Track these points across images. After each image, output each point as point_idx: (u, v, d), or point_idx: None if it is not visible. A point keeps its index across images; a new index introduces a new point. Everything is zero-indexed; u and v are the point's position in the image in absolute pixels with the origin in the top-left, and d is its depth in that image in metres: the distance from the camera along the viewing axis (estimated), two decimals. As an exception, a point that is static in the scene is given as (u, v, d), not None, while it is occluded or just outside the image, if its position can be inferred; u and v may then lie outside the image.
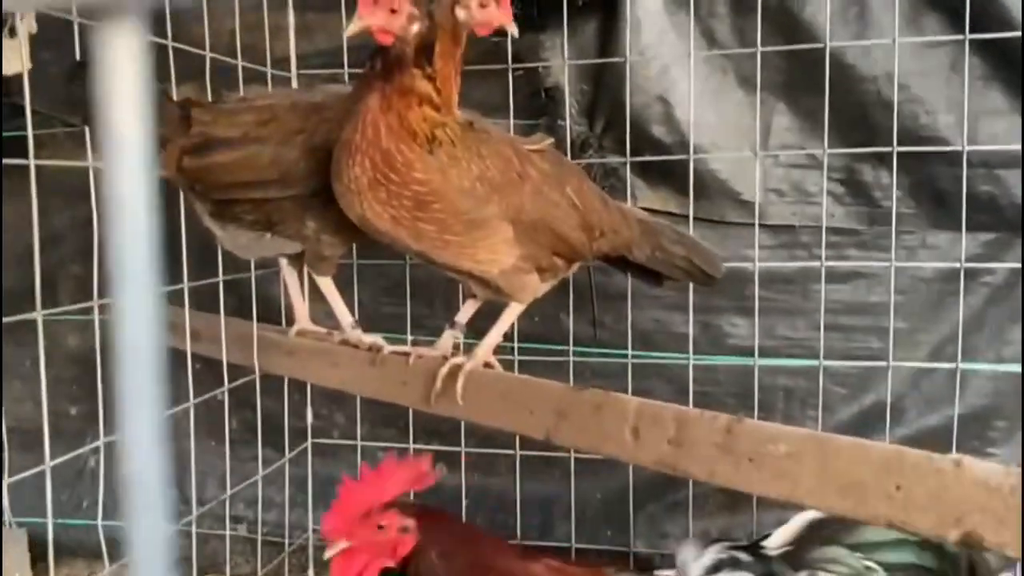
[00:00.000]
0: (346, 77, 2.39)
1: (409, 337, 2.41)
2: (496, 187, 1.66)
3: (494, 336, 1.82)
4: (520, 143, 1.75)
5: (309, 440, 2.60)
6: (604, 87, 2.42)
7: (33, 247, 2.06)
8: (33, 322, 1.85)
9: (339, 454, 2.73)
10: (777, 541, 1.63)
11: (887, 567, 1.58)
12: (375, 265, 2.58)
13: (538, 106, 2.45)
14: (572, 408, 1.63)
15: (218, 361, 2.25)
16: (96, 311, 1.88)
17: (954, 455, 1.25)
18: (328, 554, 1.51)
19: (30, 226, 2.68)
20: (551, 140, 1.80)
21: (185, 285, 2.08)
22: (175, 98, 1.96)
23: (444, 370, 1.79)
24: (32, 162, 1.82)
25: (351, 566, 1.50)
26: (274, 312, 2.52)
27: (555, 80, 2.40)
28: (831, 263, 2.28)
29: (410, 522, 1.52)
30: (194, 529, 2.18)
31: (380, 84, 1.62)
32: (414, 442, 2.56)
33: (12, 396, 2.86)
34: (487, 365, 1.83)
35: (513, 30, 1.62)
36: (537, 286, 1.78)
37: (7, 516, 2.63)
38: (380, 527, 1.51)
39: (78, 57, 1.77)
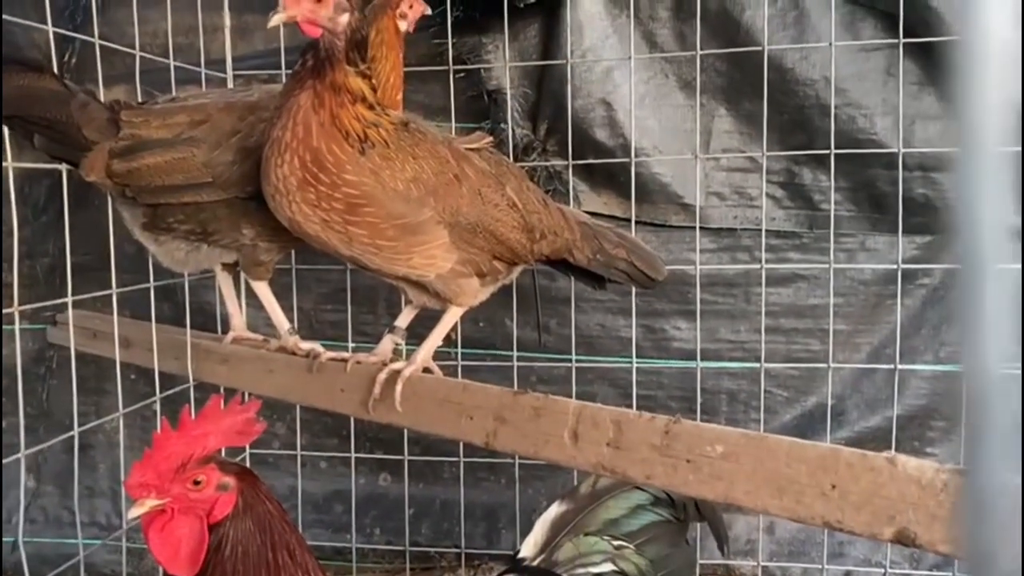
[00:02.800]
0: (283, 79, 2.34)
1: (351, 344, 2.36)
2: (432, 189, 1.63)
3: (433, 340, 1.78)
4: (458, 142, 1.73)
5: (248, 451, 2.53)
6: (547, 90, 2.41)
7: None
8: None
9: (279, 464, 2.67)
10: (531, 551, 1.64)
11: (633, 535, 1.65)
12: (315, 271, 2.54)
13: (481, 109, 2.43)
14: (511, 412, 1.60)
15: (152, 370, 2.19)
16: (17, 320, 1.80)
17: (888, 453, 1.25)
18: (133, 512, 1.26)
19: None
20: (490, 139, 1.77)
21: (113, 291, 2.00)
22: (103, 100, 1.89)
23: (382, 376, 1.75)
24: None
25: (162, 526, 1.26)
26: (210, 319, 2.45)
27: (497, 83, 2.39)
28: (771, 266, 2.29)
29: (230, 480, 1.30)
30: (124, 544, 2.10)
31: (312, 81, 1.58)
32: (356, 451, 2.51)
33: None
34: (427, 370, 1.80)
35: (427, 9, 1.60)
36: (477, 290, 1.75)
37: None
38: (196, 482, 1.27)
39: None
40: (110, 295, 2.04)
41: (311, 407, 2.42)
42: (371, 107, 1.61)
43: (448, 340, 2.25)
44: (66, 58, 2.52)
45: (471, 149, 1.73)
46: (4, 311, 1.86)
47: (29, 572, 2.56)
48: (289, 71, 2.33)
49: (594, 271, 1.87)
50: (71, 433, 1.94)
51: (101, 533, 2.68)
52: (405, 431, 2.37)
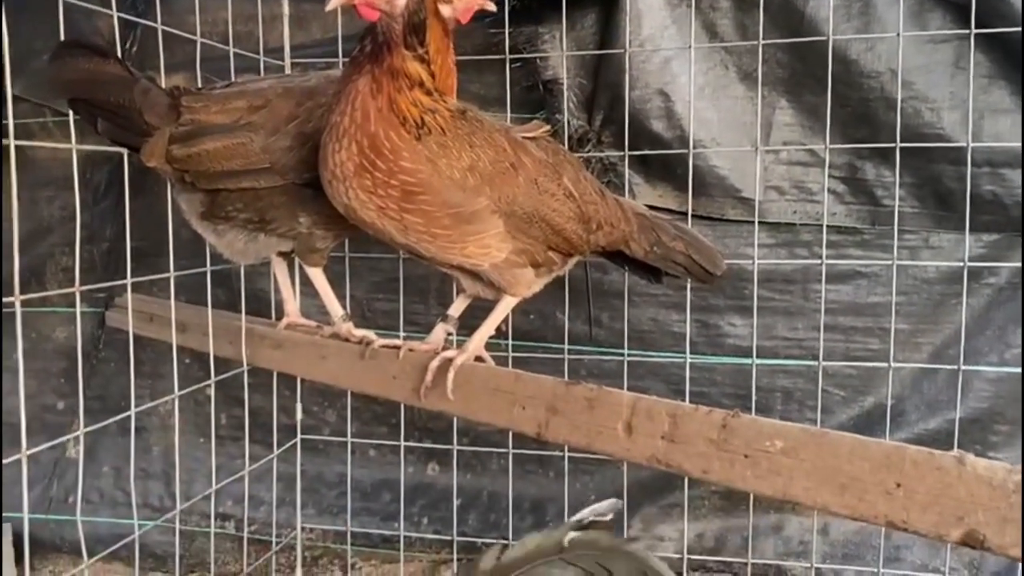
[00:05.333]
0: (340, 66, 2.35)
1: (402, 333, 2.37)
2: (488, 178, 1.61)
3: (486, 330, 1.77)
4: (515, 131, 1.71)
5: (298, 436, 2.55)
6: (603, 80, 2.39)
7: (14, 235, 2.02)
8: (23, 314, 1.81)
9: (329, 452, 2.69)
10: None
11: None
12: (368, 259, 2.54)
13: (536, 99, 2.41)
14: (564, 403, 1.59)
15: (206, 354, 2.21)
16: (79, 301, 1.84)
17: (955, 452, 1.21)
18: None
19: (30, 216, 2.64)
20: (547, 127, 1.75)
21: (171, 275, 2.03)
22: (164, 86, 1.92)
23: (435, 363, 1.74)
24: (12, 143, 1.78)
25: None
26: (264, 305, 2.48)
27: (553, 73, 2.37)
28: (832, 262, 2.24)
29: None
30: (177, 526, 2.13)
31: (370, 66, 1.58)
32: (405, 440, 2.52)
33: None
34: (479, 359, 1.79)
35: (491, 7, 1.58)
36: (531, 280, 1.74)
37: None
38: None
39: (63, 39, 1.72)
40: (166, 279, 2.07)
41: (362, 394, 2.44)
42: (429, 93, 1.60)
43: (499, 331, 2.24)
44: (127, 45, 2.56)
45: (528, 138, 1.71)
46: (65, 291, 1.88)
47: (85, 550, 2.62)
48: (346, 60, 2.36)
49: (651, 264, 1.84)
50: (128, 413, 1.97)
51: (153, 514, 2.72)
52: (455, 421, 2.37)
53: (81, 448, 1.85)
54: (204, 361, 2.29)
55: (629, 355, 2.19)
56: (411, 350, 1.83)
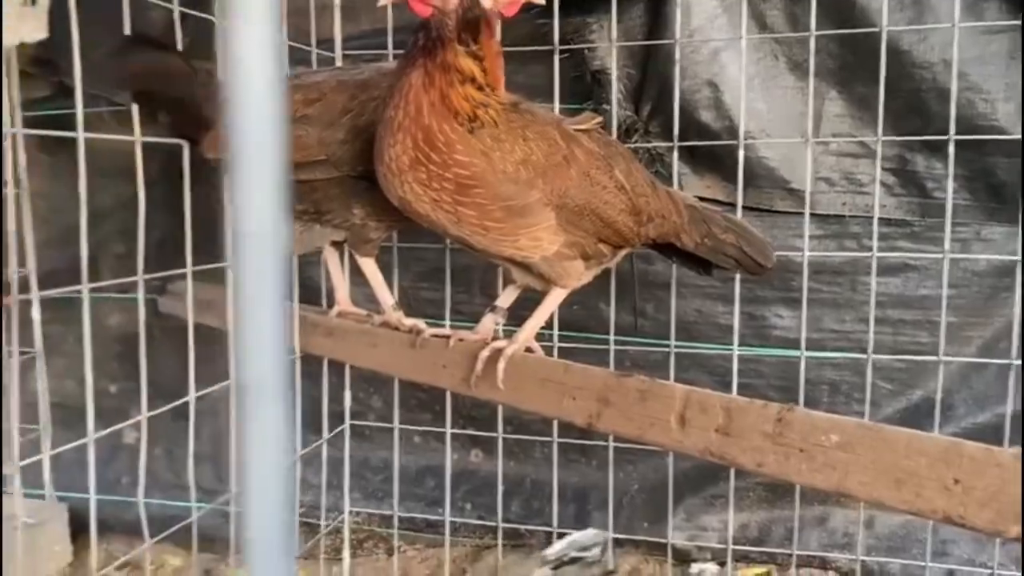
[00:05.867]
0: (390, 59, 2.37)
1: (447, 322, 2.39)
2: (540, 171, 1.63)
3: (536, 321, 1.79)
4: (567, 123, 1.72)
5: (347, 422, 2.59)
6: (652, 71, 2.38)
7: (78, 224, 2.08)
8: (78, 300, 1.86)
9: (374, 438, 2.73)
10: None
11: None
12: (414, 249, 2.57)
13: (583, 90, 2.41)
14: (616, 395, 1.60)
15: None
16: (141, 288, 1.89)
17: (1014, 449, 1.20)
18: None
19: (90, 203, 2.70)
20: (600, 119, 1.76)
21: (228, 264, 2.07)
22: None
23: (485, 353, 1.77)
24: (80, 135, 1.83)
25: None
26: (314, 294, 2.51)
27: (601, 63, 2.37)
28: (883, 254, 2.23)
29: None
30: (233, 508, 2.19)
31: (423, 60, 1.60)
32: (447, 427, 2.55)
33: (55, 373, 2.89)
34: (528, 350, 1.81)
35: (539, 0, 1.59)
36: (581, 272, 1.75)
37: (48, 490, 2.66)
38: None
39: (127, 33, 1.76)
40: (216, 268, 2.11)
41: (408, 382, 2.47)
42: (480, 88, 1.62)
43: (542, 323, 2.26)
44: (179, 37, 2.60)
45: (580, 130, 1.72)
46: (129, 279, 1.93)
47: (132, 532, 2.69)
48: (395, 52, 2.38)
49: (701, 256, 1.85)
50: (186, 399, 2.02)
51: (204, 497, 2.78)
52: (499, 409, 2.39)
53: (144, 433, 1.90)
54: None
55: (676, 347, 2.20)
56: (460, 340, 1.86)
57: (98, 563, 2.91)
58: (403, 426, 2.55)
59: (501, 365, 1.73)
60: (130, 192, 2.85)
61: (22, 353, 2.89)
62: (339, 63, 2.42)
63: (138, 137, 1.81)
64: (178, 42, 1.87)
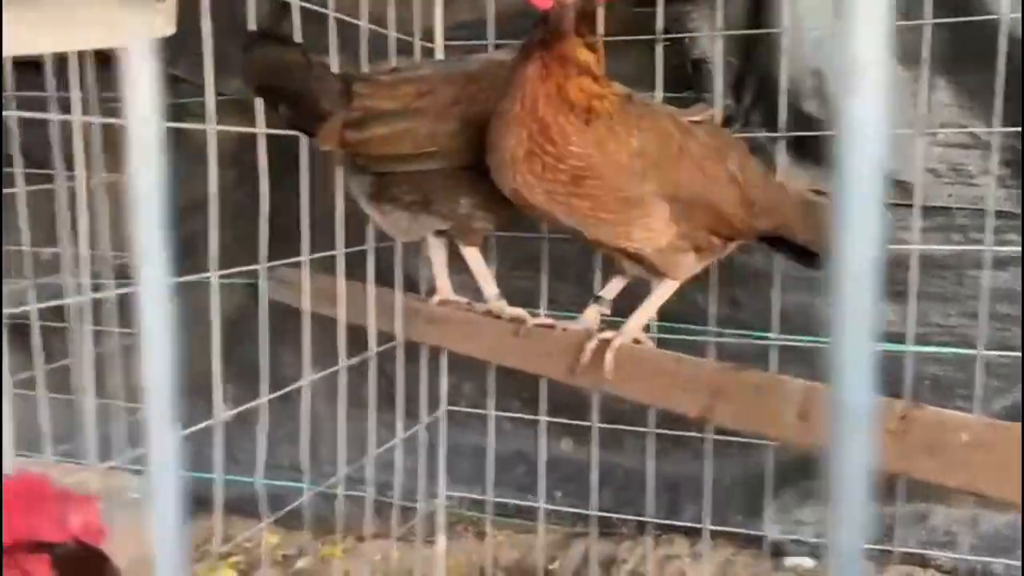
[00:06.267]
0: (490, 49, 2.39)
1: (543, 311, 2.41)
2: (655, 163, 1.63)
3: (645, 313, 1.80)
4: (681, 115, 1.72)
5: (443, 408, 2.64)
6: (753, 59, 2.36)
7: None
8: (181, 285, 1.93)
9: (466, 423, 2.77)
10: None
11: None
12: (508, 238, 2.59)
13: (681, 79, 2.40)
14: (730, 388, 1.60)
15: (353, 328, 2.30)
16: (263, 274, 1.95)
17: None
18: None
19: (189, 191, 2.79)
20: (713, 111, 1.75)
21: (339, 252, 2.13)
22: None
23: (592, 344, 1.78)
24: (211, 127, 1.89)
25: None
26: (410, 282, 2.55)
27: (701, 52, 2.35)
28: (996, 248, 2.17)
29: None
30: (341, 492, 2.25)
31: (539, 53, 1.61)
32: (541, 414, 2.57)
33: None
34: (635, 341, 1.82)
35: None
36: (692, 264, 1.76)
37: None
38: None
39: (253, 28, 1.81)
40: (331, 257, 2.16)
41: (504, 370, 2.51)
42: (596, 79, 1.63)
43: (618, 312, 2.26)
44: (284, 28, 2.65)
45: (694, 122, 1.72)
46: (251, 267, 2.00)
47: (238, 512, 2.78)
48: (496, 42, 2.40)
49: (813, 250, 1.83)
50: (300, 383, 2.08)
51: (301, 479, 2.85)
52: (595, 399, 2.40)
53: (266, 416, 1.97)
54: (354, 333, 2.38)
55: (778, 340, 2.18)
56: (564, 330, 1.88)
57: (200, 539, 3.04)
58: (499, 413, 2.58)
59: (609, 356, 1.74)
60: (235, 181, 2.94)
61: (128, 335, 3.01)
62: (440, 54, 2.45)
63: (263, 129, 1.86)
64: (296, 34, 1.92)
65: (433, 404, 2.63)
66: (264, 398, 1.95)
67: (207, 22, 1.64)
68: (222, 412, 1.79)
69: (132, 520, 2.73)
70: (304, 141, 2.02)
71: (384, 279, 2.37)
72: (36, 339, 2.75)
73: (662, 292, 1.79)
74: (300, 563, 2.77)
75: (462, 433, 2.79)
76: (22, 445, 2.72)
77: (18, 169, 2.83)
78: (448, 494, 2.78)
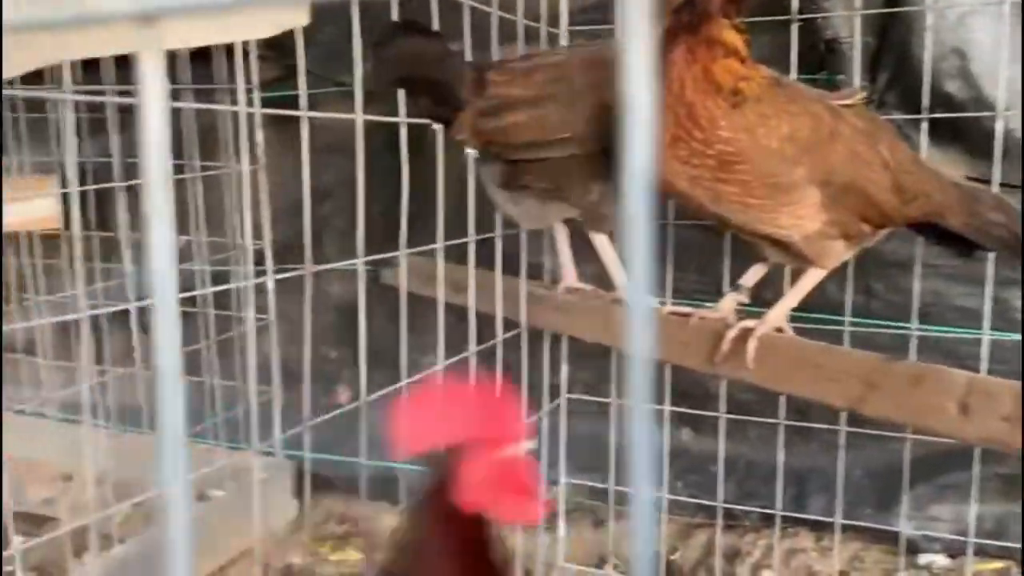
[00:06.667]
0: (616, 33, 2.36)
1: (669, 299, 2.38)
2: (806, 148, 1.59)
3: (789, 302, 1.76)
4: (831, 98, 1.67)
5: (563, 395, 2.64)
6: (890, 39, 2.27)
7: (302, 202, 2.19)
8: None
9: (583, 410, 2.76)
10: None
11: None
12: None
13: (814, 60, 2.32)
14: (884, 379, 1.55)
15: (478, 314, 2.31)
16: (403, 262, 1.98)
17: None
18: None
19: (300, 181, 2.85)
20: (863, 94, 1.69)
21: (471, 239, 2.14)
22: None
23: (732, 333, 1.75)
24: (304, 114, 1.92)
25: None
26: (529, 269, 2.55)
27: (835, 32, 2.27)
28: None
29: None
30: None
31: (685, 36, 1.58)
32: (659, 404, 2.55)
33: (279, 340, 3.07)
34: (777, 330, 1.78)
35: None
36: (840, 252, 1.70)
37: (278, 448, 2.85)
38: None
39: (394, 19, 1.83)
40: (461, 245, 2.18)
41: (623, 357, 2.49)
42: (743, 61, 1.59)
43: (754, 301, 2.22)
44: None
45: (845, 105, 1.66)
46: (351, 262, 2.02)
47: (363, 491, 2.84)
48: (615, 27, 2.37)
49: (967, 237, 1.76)
50: (436, 368, 2.11)
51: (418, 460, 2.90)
52: (723, 389, 2.36)
53: (363, 396, 2.00)
54: (467, 321, 2.39)
55: (918, 330, 2.10)
56: (701, 318, 1.85)
57: (320, 518, 3.12)
58: (620, 401, 2.56)
59: (752, 345, 1.71)
60: (353, 169, 2.99)
61: (257, 320, 3.10)
62: (564, 40, 2.43)
63: (404, 119, 1.89)
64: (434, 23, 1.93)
65: (554, 392, 2.63)
66: (403, 382, 1.96)
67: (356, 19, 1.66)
68: (364, 395, 1.81)
69: (260, 498, 2.80)
70: (411, 130, 2.04)
71: (505, 267, 2.38)
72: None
73: (808, 281, 1.74)
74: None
75: (576, 420, 2.78)
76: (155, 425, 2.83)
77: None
78: (566, 481, 2.79)
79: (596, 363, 2.71)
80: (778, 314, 1.75)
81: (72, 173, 1.39)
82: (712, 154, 1.57)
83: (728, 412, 2.50)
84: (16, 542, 2.42)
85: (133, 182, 2.59)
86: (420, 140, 2.23)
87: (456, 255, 2.34)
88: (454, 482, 1.05)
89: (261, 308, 2.97)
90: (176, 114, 3.09)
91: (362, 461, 2.24)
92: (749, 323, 1.75)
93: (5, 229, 2.74)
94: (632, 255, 0.32)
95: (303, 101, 1.86)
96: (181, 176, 2.99)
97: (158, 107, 0.37)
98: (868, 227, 1.69)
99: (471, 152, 2.28)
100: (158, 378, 0.34)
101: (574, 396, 2.70)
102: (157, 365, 0.34)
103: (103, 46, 1.52)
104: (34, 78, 2.20)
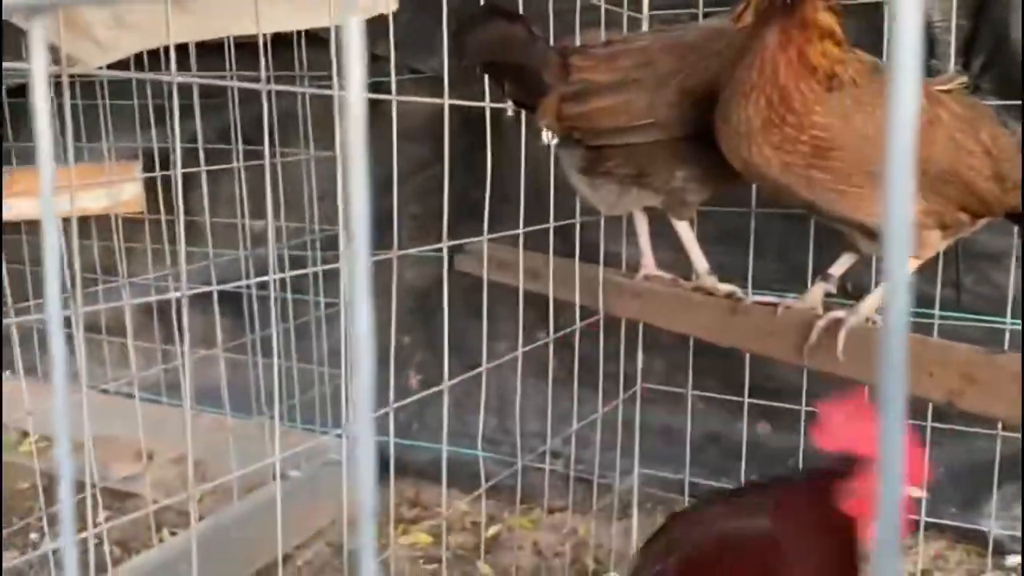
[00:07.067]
0: (699, 18, 2.32)
1: (750, 288, 2.34)
2: None
3: (883, 292, 1.71)
4: (930, 84, 1.61)
5: (639, 385, 2.62)
6: (986, 21, 2.19)
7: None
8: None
9: (658, 401, 2.74)
10: None
11: None
12: (704, 212, 2.53)
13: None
14: (984, 372, 1.50)
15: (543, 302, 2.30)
16: (486, 247, 1.98)
17: None
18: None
19: (381, 166, 2.86)
20: (964, 79, 1.64)
21: (551, 224, 2.14)
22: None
23: (822, 323, 1.71)
24: (394, 98, 1.93)
25: None
26: (604, 257, 2.54)
27: (927, 14, 2.20)
28: None
29: None
30: (547, 466, 2.28)
31: (780, 19, 1.54)
32: (735, 396, 2.51)
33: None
34: (869, 322, 1.73)
35: None
36: (936, 243, 1.65)
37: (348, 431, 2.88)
38: None
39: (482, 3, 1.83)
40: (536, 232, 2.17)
41: (698, 348, 2.46)
42: (839, 44, 1.55)
43: (847, 292, 2.17)
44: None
45: (944, 91, 1.61)
46: (435, 246, 2.03)
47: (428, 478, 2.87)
48: (705, 11, 2.33)
49: (1072, 227, 1.69)
50: (515, 354, 2.11)
51: (488, 447, 2.91)
52: (804, 382, 2.32)
53: (446, 381, 2.01)
54: (539, 308, 2.38)
55: (1013, 324, 2.03)
56: (788, 308, 1.81)
57: (392, 501, 3.14)
58: (696, 392, 2.54)
59: (842, 335, 1.67)
60: (429, 155, 3.01)
61: (328, 305, 3.14)
62: (646, 25, 2.40)
63: (488, 104, 1.88)
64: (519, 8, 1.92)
65: (629, 382, 2.61)
66: (483, 367, 1.97)
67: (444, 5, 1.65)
68: (447, 379, 1.82)
69: (333, 480, 2.85)
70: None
71: (582, 255, 2.36)
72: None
73: (901, 271, 1.69)
74: (491, 530, 2.83)
75: (651, 409, 2.76)
76: (233, 407, 2.89)
77: (232, 146, 3.00)
78: (639, 471, 2.77)
79: (671, 353, 2.69)
80: (870, 305, 1.70)
81: (178, 155, 1.42)
82: (806, 140, 1.54)
83: (806, 405, 2.45)
84: (101, 517, 2.50)
85: (217, 166, 2.64)
86: (495, 126, 2.23)
87: (529, 243, 2.34)
88: (840, 486, 1.17)
89: (338, 292, 3.02)
90: (256, 101, 3.14)
91: (444, 447, 2.25)
92: (839, 313, 1.70)
93: (97, 212, 2.82)
94: (893, 265, 0.31)
95: (393, 86, 1.86)
96: (259, 162, 3.03)
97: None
98: (966, 217, 1.63)
99: (546, 139, 2.27)
100: (355, 347, 0.34)
101: (649, 386, 2.67)
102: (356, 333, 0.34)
103: (200, 31, 1.55)
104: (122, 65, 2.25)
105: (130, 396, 3.32)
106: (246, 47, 2.85)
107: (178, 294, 1.50)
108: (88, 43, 1.30)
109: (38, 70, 0.40)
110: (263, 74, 1.67)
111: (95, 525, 1.96)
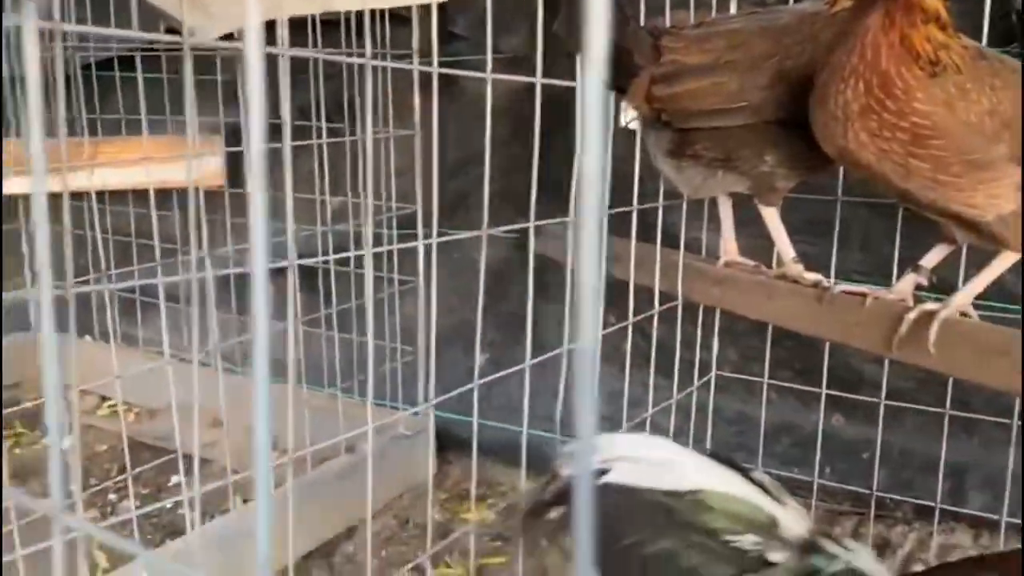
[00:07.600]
0: (791, 1, 2.28)
1: (833, 278, 2.30)
2: (1008, 123, 1.50)
3: (978, 285, 1.67)
4: (1040, 70, 1.56)
5: (713, 372, 2.60)
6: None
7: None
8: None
9: (730, 389, 2.72)
10: None
11: None
12: (787, 200, 2.49)
13: (1004, 30, 2.19)
14: (1087, 371, 1.46)
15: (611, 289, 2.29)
16: (571, 228, 1.98)
17: None
18: None
19: (458, 145, 2.88)
20: (1077, 67, 1.58)
21: (634, 208, 2.13)
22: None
23: (912, 315, 1.68)
24: (489, 76, 1.94)
25: None
26: (671, 240, 2.51)
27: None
28: None
29: None
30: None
31: (883, 1, 1.51)
32: (811, 387, 2.48)
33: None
34: (963, 315, 1.69)
35: None
36: (1048, 238, 1.60)
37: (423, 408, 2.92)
38: None
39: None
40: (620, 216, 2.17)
41: (774, 336, 2.44)
42: (944, 28, 1.51)
43: (931, 285, 2.11)
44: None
45: (1050, 76, 1.56)
46: (520, 226, 2.03)
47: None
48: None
49: None
50: (597, 339, 2.11)
51: (550, 425, 2.91)
52: (885, 374, 2.28)
53: (528, 361, 2.01)
54: (609, 292, 2.37)
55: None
56: (876, 298, 1.78)
57: (458, 478, 3.18)
58: (772, 381, 2.51)
59: (934, 328, 1.63)
60: (507, 134, 3.01)
61: (402, 283, 3.18)
62: (733, 7, 2.37)
63: (539, 79, 1.88)
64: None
65: (704, 368, 2.59)
66: (564, 347, 1.98)
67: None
68: (529, 359, 1.83)
69: (400, 455, 2.90)
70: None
71: (649, 238, 2.35)
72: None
73: (999, 265, 1.65)
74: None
75: (724, 398, 2.74)
76: (308, 380, 2.95)
77: (313, 123, 3.05)
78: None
79: (746, 341, 2.67)
80: (964, 298, 1.66)
81: (287, 130, 1.45)
82: (905, 127, 1.50)
83: (886, 398, 2.41)
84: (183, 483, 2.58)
85: (299, 142, 2.68)
86: (572, 107, 2.22)
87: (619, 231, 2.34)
88: None
89: (414, 270, 3.05)
90: (337, 78, 3.18)
91: (523, 429, 2.27)
92: (931, 305, 1.67)
93: (179, 186, 2.89)
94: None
95: (489, 64, 1.87)
96: (347, 138, 3.08)
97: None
98: (1079, 210, 1.58)
99: (624, 121, 2.26)
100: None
101: (723, 373, 2.65)
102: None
103: (307, 6, 1.58)
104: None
105: (205, 365, 3.42)
106: (328, 24, 2.90)
107: (285, 263, 1.53)
108: (200, 14, 1.34)
109: (28, 33, 0.41)
110: (368, 51, 1.69)
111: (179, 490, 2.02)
